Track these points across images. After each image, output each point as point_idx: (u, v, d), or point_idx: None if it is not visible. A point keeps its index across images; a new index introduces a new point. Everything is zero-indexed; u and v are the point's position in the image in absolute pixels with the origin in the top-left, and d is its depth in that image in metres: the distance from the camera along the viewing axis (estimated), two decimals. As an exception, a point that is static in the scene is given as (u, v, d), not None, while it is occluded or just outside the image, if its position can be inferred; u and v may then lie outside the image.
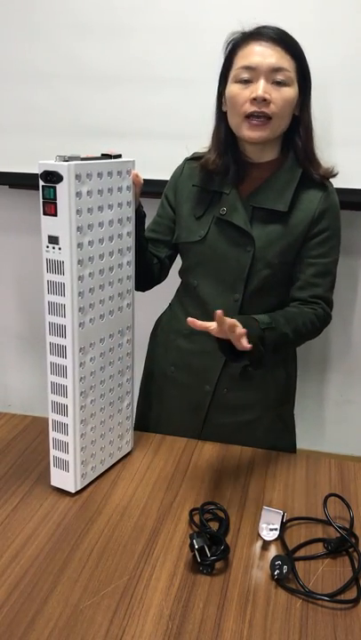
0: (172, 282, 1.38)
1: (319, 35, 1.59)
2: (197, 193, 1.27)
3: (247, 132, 1.16)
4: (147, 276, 1.29)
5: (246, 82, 1.13)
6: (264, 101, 1.12)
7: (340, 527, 0.98)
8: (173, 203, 1.32)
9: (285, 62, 1.13)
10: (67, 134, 1.85)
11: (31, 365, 2.37)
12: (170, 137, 1.76)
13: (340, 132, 1.67)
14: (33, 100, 1.85)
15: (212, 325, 0.98)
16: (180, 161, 1.34)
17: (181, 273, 1.35)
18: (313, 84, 1.20)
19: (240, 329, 0.97)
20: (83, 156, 0.97)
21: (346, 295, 2.01)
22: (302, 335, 1.18)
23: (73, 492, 1.08)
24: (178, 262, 1.36)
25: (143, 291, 1.32)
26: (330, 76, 1.62)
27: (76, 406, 1.04)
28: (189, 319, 0.98)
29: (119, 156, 1.06)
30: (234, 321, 0.97)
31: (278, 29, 1.15)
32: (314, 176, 1.20)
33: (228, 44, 1.18)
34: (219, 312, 0.95)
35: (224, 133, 1.22)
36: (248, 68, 1.13)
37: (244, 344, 0.98)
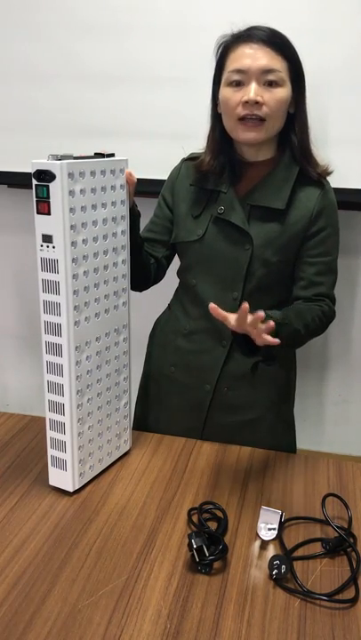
0: (171, 283, 1.38)
1: (317, 35, 1.58)
2: (195, 192, 1.26)
3: (242, 135, 1.15)
4: (143, 276, 1.29)
5: (238, 84, 1.13)
6: (256, 104, 1.11)
7: (338, 527, 0.97)
8: (171, 203, 1.31)
9: (276, 63, 1.12)
10: (65, 134, 1.85)
11: (29, 365, 2.37)
12: (168, 137, 1.75)
13: (339, 132, 1.66)
14: (32, 100, 1.84)
15: (230, 317, 0.96)
16: (178, 161, 1.33)
17: (180, 273, 1.34)
18: (312, 85, 1.19)
19: (268, 324, 0.94)
20: (76, 155, 0.97)
21: (345, 295, 2.00)
22: (312, 331, 1.16)
23: (71, 491, 1.08)
24: (176, 263, 1.36)
25: (140, 291, 1.32)
26: (329, 76, 1.61)
27: (73, 405, 1.04)
28: (212, 305, 0.96)
29: (112, 154, 1.06)
30: (260, 315, 0.93)
31: (269, 29, 1.13)
32: (311, 174, 1.20)
33: (219, 47, 1.18)
34: (212, 305, 0.95)
35: (219, 135, 1.21)
36: (239, 71, 1.12)
37: (270, 339, 0.95)
